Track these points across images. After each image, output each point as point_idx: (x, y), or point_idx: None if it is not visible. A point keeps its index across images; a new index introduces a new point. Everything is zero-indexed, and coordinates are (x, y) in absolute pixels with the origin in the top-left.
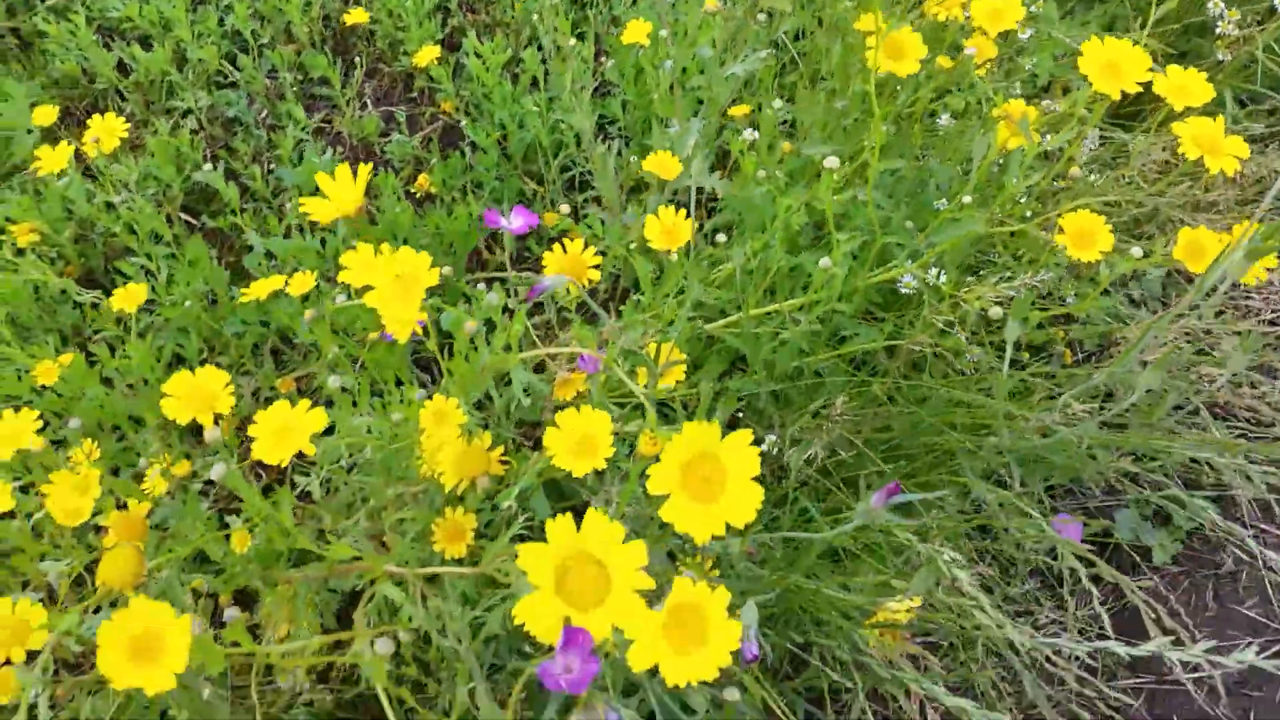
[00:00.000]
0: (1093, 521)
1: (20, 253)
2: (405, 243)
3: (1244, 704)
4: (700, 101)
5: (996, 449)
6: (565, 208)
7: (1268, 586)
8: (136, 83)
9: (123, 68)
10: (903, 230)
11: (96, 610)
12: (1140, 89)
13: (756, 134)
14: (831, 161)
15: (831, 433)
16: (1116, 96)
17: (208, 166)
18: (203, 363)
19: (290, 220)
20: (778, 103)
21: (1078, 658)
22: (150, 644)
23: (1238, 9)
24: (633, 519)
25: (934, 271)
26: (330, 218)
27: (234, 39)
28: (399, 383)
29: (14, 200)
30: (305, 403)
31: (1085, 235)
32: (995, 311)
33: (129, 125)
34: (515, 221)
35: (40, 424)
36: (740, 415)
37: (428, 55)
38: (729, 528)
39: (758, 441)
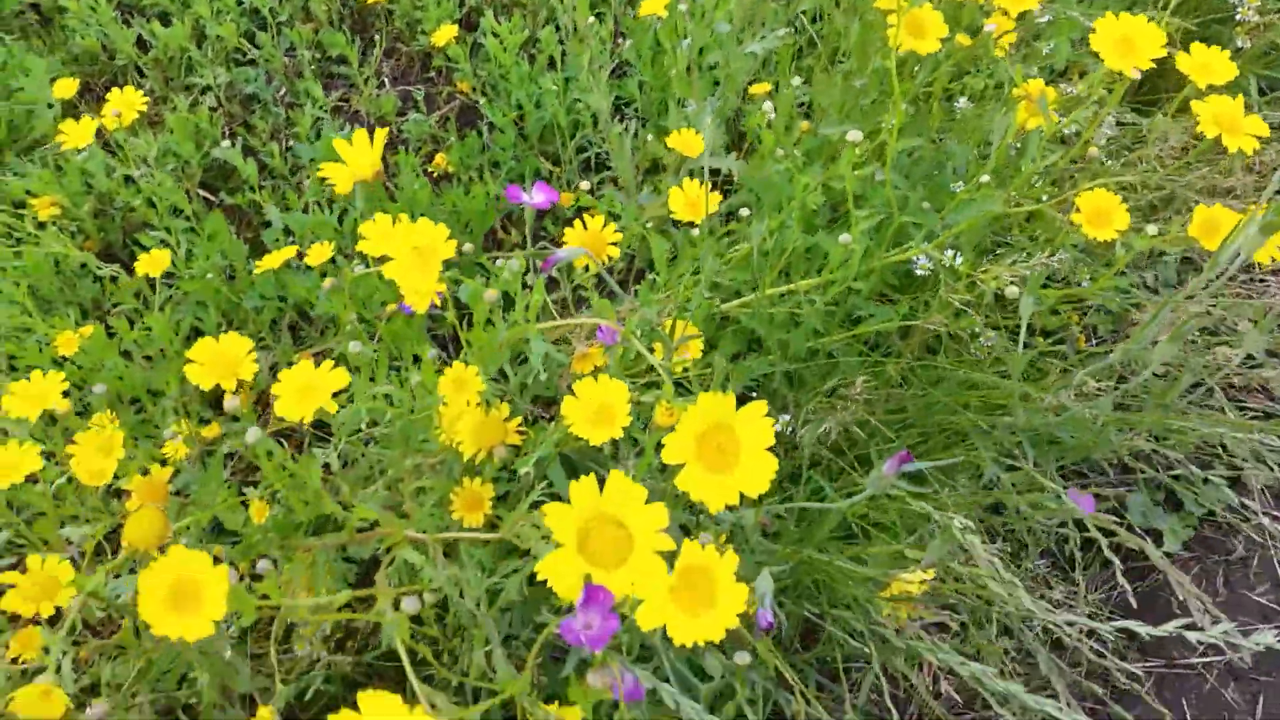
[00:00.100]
0: (1102, 513)
1: (41, 226)
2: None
3: (1253, 689)
4: (717, 83)
5: (1010, 428)
6: (585, 185)
7: (1279, 572)
8: (156, 59)
9: (142, 44)
10: (919, 211)
11: (118, 576)
12: (1154, 66)
13: (774, 112)
14: (854, 135)
15: (846, 410)
16: (1130, 73)
17: (226, 143)
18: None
19: (308, 197)
20: (796, 80)
21: (1091, 634)
22: (189, 592)
23: None
24: (649, 492)
25: (950, 253)
26: (348, 182)
27: (252, 16)
28: (416, 359)
29: (35, 174)
30: (328, 363)
31: (1101, 214)
32: (1011, 290)
33: (148, 100)
34: (537, 197)
35: (65, 385)
36: (754, 395)
37: (445, 34)
38: (743, 499)
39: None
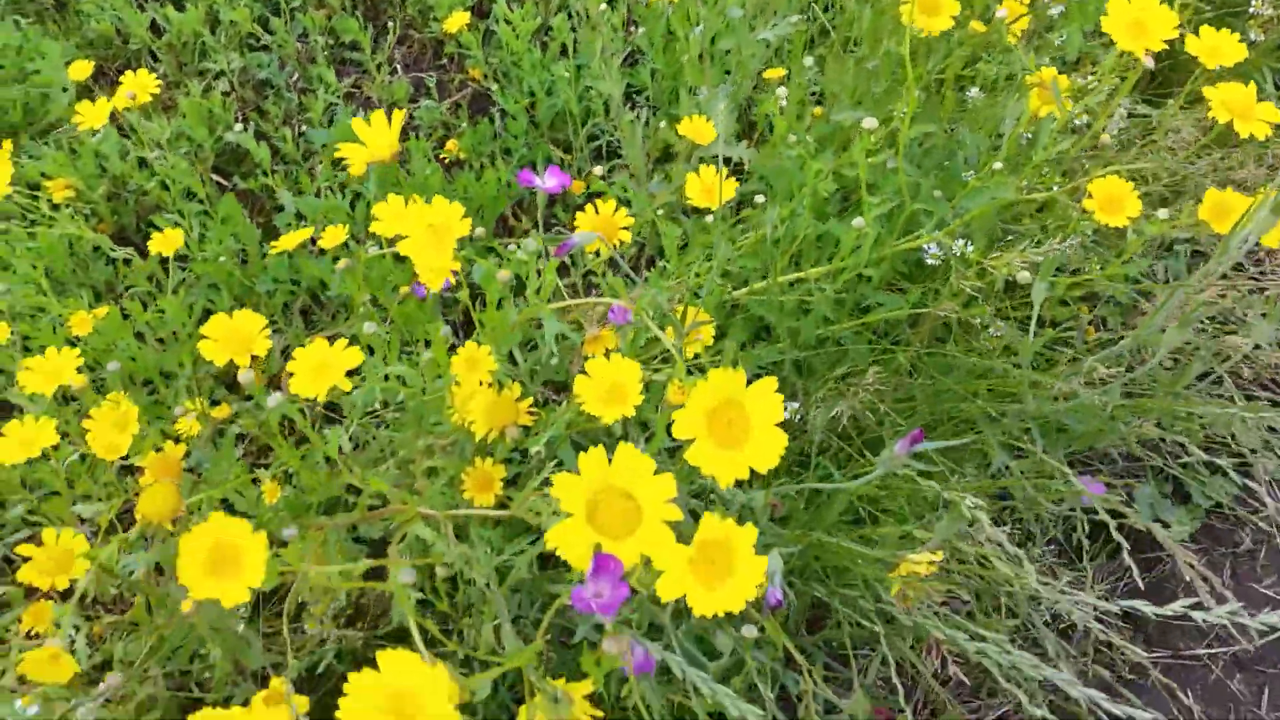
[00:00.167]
0: (1111, 497)
1: (56, 208)
2: None
3: (1259, 680)
4: (728, 72)
5: (1019, 415)
6: (598, 169)
7: None
8: (169, 44)
9: (156, 28)
10: (931, 199)
11: (131, 551)
12: (1166, 61)
13: (786, 100)
14: (870, 122)
15: (856, 397)
16: (1141, 55)
17: (239, 127)
18: None
19: (320, 182)
20: (809, 59)
21: (1099, 620)
22: (228, 558)
23: None
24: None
25: (961, 242)
26: (366, 162)
27: (266, 2)
28: (428, 344)
29: (50, 156)
30: (342, 341)
31: (1114, 201)
32: (1023, 276)
33: (161, 84)
34: (549, 181)
35: (80, 361)
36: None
37: (458, 21)
38: (753, 479)
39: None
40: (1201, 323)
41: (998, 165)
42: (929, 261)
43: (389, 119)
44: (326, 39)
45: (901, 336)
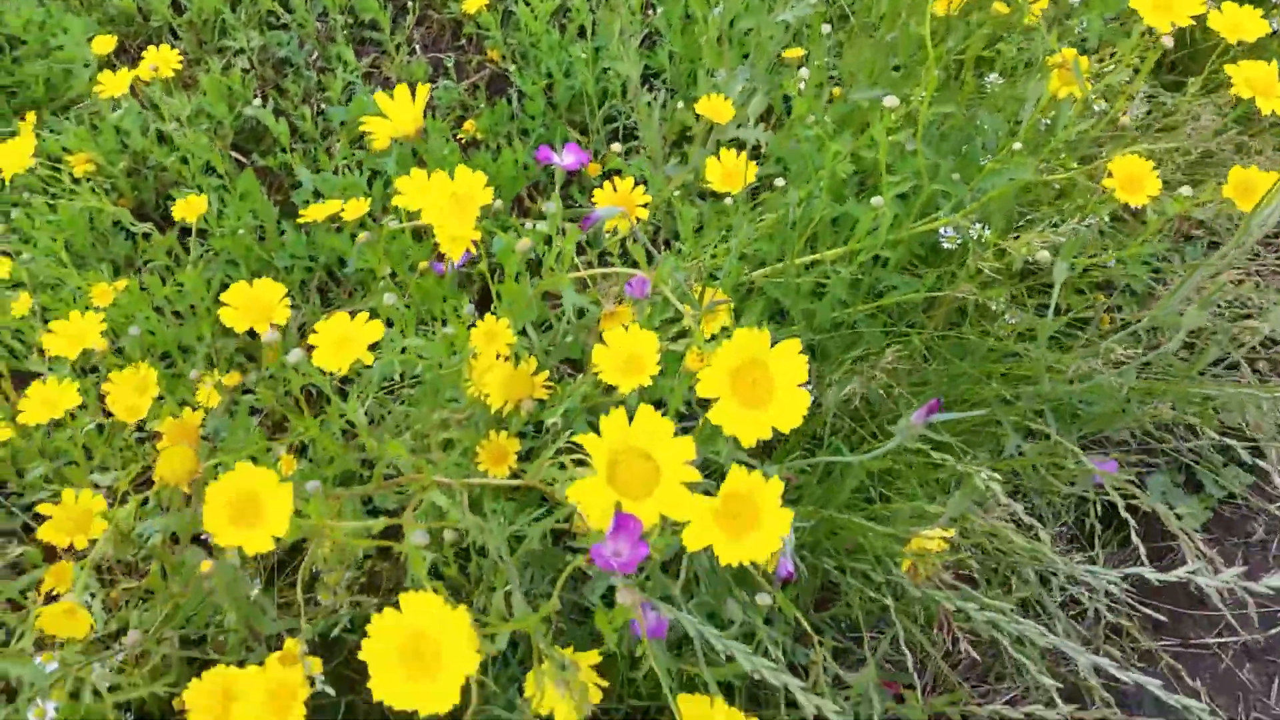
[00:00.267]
0: (1121, 476)
1: (76, 182)
2: None
3: (1269, 670)
4: (745, 56)
5: (1034, 397)
6: (617, 146)
7: None
8: (190, 21)
9: (177, 6)
10: (949, 180)
11: (145, 514)
12: (1186, 48)
13: (804, 83)
14: (890, 101)
15: (871, 378)
16: (1167, 30)
17: (257, 101)
18: None
19: (339, 160)
20: (827, 28)
21: (1111, 607)
22: (251, 507)
23: None
24: None
25: (978, 226)
26: (389, 136)
27: None
28: (444, 321)
29: (71, 130)
30: (364, 315)
31: (1134, 180)
32: (1043, 255)
33: (182, 60)
34: (567, 158)
35: (104, 325)
36: None
37: (477, 2)
38: (766, 452)
39: None
40: (1219, 306)
41: (1017, 146)
42: (945, 246)
43: (413, 94)
44: (346, 18)
45: (916, 320)
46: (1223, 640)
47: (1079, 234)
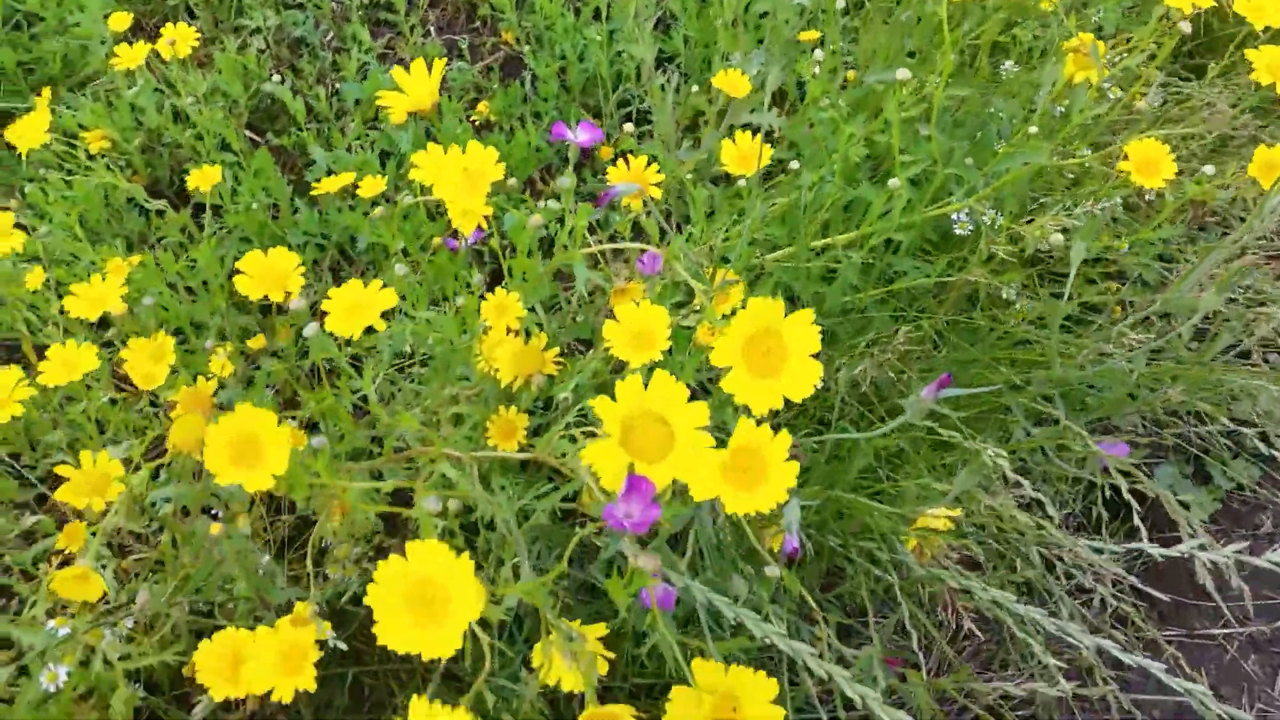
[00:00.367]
0: (1130, 460)
1: (92, 158)
2: None
3: (1274, 660)
4: (760, 41)
5: (1044, 382)
6: (629, 127)
7: None
8: (206, 0)
9: None
10: (963, 165)
11: (159, 477)
12: (1202, 37)
13: (818, 68)
14: (902, 73)
15: (881, 360)
16: (1188, 12)
17: (276, 78)
18: None
19: (352, 139)
20: (841, 1)
21: (1117, 596)
22: (251, 448)
23: None
24: None
25: (991, 212)
26: (406, 110)
27: None
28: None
29: (87, 107)
30: (377, 282)
31: (1150, 164)
32: (1056, 239)
33: (199, 37)
34: (581, 135)
35: (124, 290)
36: None
37: None
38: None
39: None
40: (1234, 293)
41: (1032, 130)
42: (958, 232)
43: (429, 69)
44: None
45: (927, 306)
46: (1228, 631)
47: (1095, 217)
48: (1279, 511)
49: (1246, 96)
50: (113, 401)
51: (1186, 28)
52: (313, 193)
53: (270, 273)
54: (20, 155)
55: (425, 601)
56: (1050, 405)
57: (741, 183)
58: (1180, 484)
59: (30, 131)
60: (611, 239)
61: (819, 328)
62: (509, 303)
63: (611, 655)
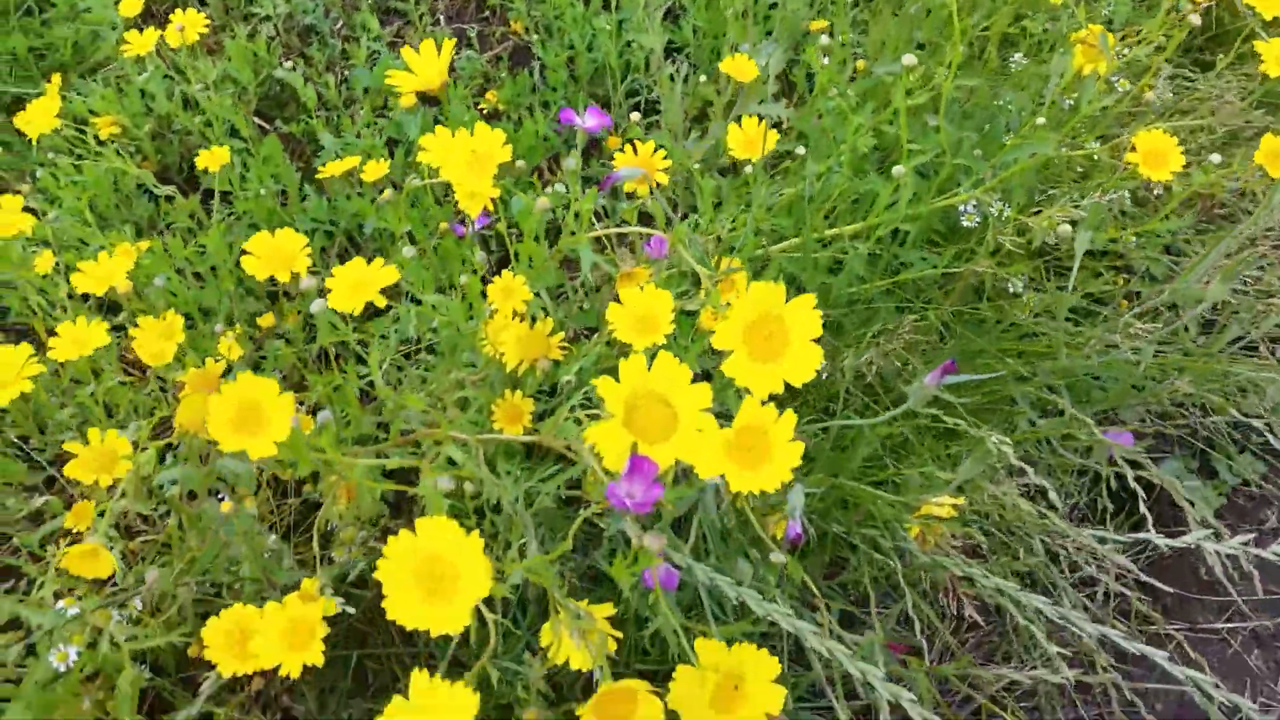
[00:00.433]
0: (1137, 447)
1: (101, 144)
2: None
3: (1277, 656)
4: (769, 33)
5: (1050, 373)
6: (636, 116)
7: None
8: None
9: None
10: (970, 156)
11: (168, 456)
12: (1211, 30)
13: (827, 58)
14: (909, 59)
15: (887, 349)
16: (1199, 3)
17: (289, 64)
18: None
19: (361, 126)
20: None
21: (1120, 589)
22: (254, 416)
23: None
24: None
25: (999, 203)
26: (414, 90)
27: None
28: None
29: (97, 92)
30: (379, 260)
31: (1158, 155)
32: (1064, 229)
33: (209, 23)
34: (589, 120)
35: (131, 265)
36: None
37: None
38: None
39: None
40: (1243, 282)
41: (1040, 121)
42: (965, 224)
43: (438, 49)
44: None
45: (933, 297)
46: (1231, 625)
47: (1098, 205)
48: None
49: (1256, 89)
50: (121, 385)
51: (1196, 20)
52: (318, 176)
53: (277, 254)
54: (31, 140)
55: (435, 578)
56: (1056, 396)
57: (748, 169)
58: (1185, 479)
59: (41, 116)
60: (620, 224)
61: (821, 312)
62: (515, 286)
63: (619, 635)
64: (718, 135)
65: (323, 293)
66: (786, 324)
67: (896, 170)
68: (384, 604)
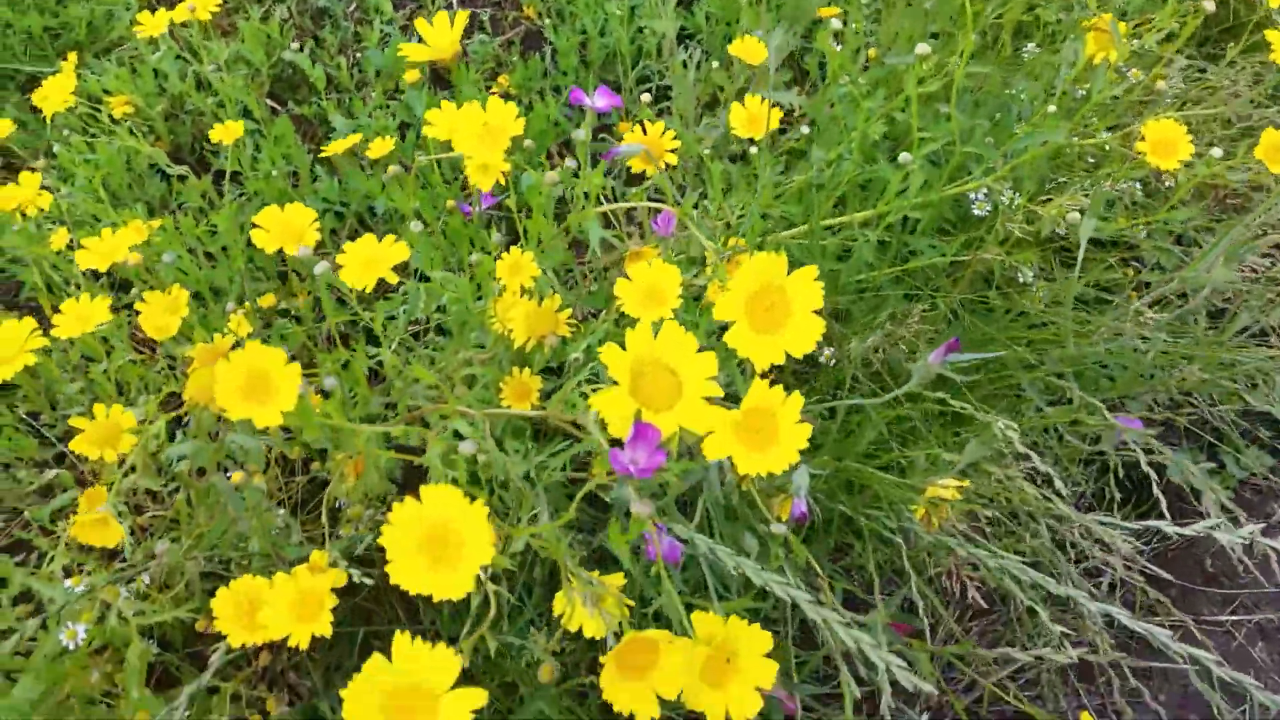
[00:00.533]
0: (1147, 432)
1: (115, 122)
2: None
3: None
4: (780, 20)
5: (1058, 360)
6: (646, 97)
7: None
8: None
9: None
10: (982, 143)
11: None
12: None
13: (839, 44)
14: (922, 48)
15: (891, 332)
16: None
17: (295, 45)
18: None
19: (373, 107)
20: None
21: (1125, 578)
22: (261, 385)
23: None
24: None
25: (1009, 192)
26: (426, 60)
27: None
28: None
29: (111, 72)
30: (390, 237)
31: (1167, 145)
32: (1073, 217)
33: (221, 5)
34: (599, 101)
35: (137, 238)
36: None
37: None
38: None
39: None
40: (1253, 272)
41: (1051, 109)
42: (976, 213)
43: (451, 20)
44: None
45: (941, 286)
46: (1236, 618)
47: (1103, 191)
48: None
49: (1269, 79)
50: (131, 362)
51: (1210, 5)
52: (323, 153)
53: (287, 228)
54: (46, 119)
55: (443, 544)
56: (1064, 382)
57: (754, 150)
58: (1191, 471)
59: (57, 94)
60: (629, 213)
61: (833, 306)
62: (523, 262)
63: (631, 603)
64: (727, 121)
65: (335, 270)
66: (788, 295)
67: (904, 158)
68: (388, 569)
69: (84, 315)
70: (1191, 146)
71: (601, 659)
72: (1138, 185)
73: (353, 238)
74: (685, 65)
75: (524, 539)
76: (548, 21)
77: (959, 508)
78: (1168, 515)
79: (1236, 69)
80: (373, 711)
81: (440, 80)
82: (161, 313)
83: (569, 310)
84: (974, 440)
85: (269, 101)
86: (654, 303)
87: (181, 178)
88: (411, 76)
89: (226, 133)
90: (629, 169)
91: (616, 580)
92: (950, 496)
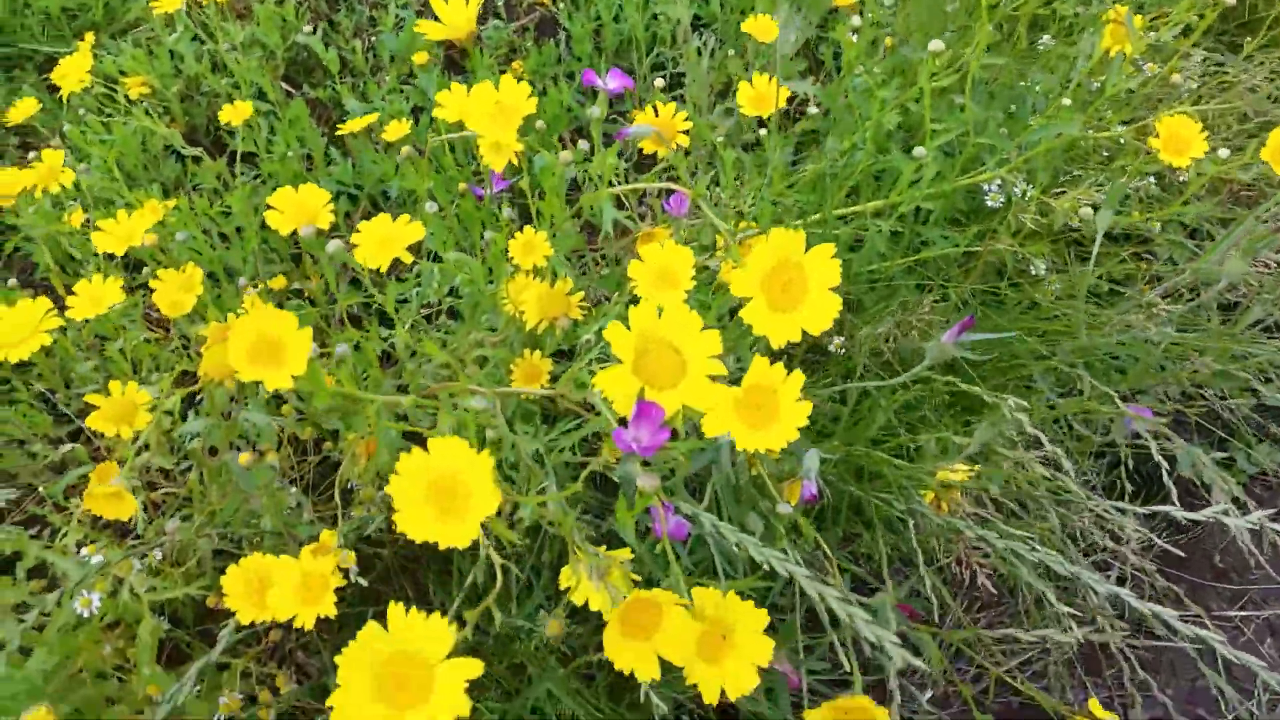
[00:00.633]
0: (1157, 420)
1: (131, 103)
2: None
3: None
4: (798, 9)
5: (1070, 352)
6: (660, 82)
7: None
8: None
9: None
10: (996, 135)
11: (185, 413)
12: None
13: (856, 36)
14: (936, 44)
15: (901, 320)
16: None
17: (308, 28)
18: None
19: (386, 91)
20: None
21: (1135, 575)
22: (272, 349)
23: None
24: None
25: (1023, 184)
26: (441, 38)
27: None
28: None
29: (128, 53)
30: (405, 217)
31: (1180, 141)
32: (1086, 211)
33: None
34: (611, 83)
35: (154, 220)
36: None
37: None
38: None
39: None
40: (1267, 266)
41: (1066, 101)
42: (990, 205)
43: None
44: None
45: (953, 276)
46: (1245, 614)
47: (1118, 184)
48: None
49: None
50: (145, 342)
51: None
52: (338, 132)
53: (301, 209)
54: (62, 98)
55: (448, 495)
56: (1075, 371)
57: (762, 132)
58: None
59: (74, 73)
60: (642, 201)
61: (845, 295)
62: (536, 241)
63: (638, 577)
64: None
65: (350, 249)
66: (805, 271)
67: (918, 151)
68: (394, 518)
69: (98, 296)
70: (1206, 144)
71: (605, 616)
72: (1152, 180)
73: (366, 220)
74: (699, 52)
75: (531, 509)
76: (562, 7)
77: (970, 489)
78: (1175, 498)
79: (1254, 64)
80: (367, 678)
81: (455, 66)
82: (176, 290)
83: (581, 293)
84: (984, 423)
85: (284, 84)
86: (666, 284)
87: (196, 159)
88: (420, 58)
89: (236, 113)
90: (641, 152)
91: (623, 554)
92: (960, 479)
